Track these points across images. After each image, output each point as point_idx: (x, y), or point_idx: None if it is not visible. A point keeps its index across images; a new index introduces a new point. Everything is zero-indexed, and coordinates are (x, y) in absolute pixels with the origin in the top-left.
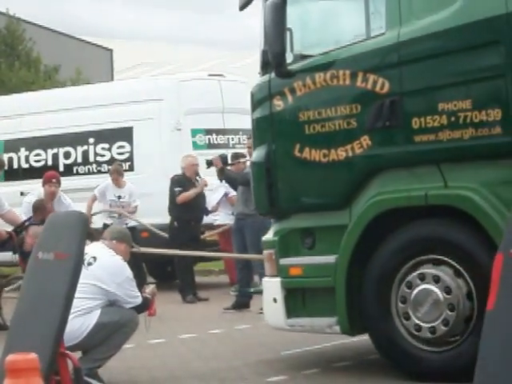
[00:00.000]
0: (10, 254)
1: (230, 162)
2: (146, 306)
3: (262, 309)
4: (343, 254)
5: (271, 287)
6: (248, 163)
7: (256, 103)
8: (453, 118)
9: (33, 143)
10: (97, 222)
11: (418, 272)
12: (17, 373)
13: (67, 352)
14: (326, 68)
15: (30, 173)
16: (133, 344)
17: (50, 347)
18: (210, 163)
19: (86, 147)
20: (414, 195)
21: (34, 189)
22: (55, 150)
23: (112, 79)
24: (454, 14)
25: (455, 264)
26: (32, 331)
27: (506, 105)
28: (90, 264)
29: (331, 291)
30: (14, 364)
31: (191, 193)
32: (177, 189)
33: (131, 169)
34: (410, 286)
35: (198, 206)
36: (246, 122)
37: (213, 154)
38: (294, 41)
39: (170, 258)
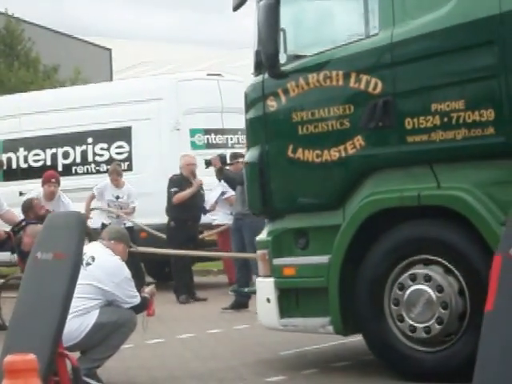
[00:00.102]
0: (9, 254)
1: (228, 161)
2: (144, 305)
3: None
4: (336, 254)
5: (265, 287)
6: None
7: (249, 104)
8: (446, 119)
9: (32, 143)
10: (95, 222)
11: (409, 273)
12: (15, 373)
13: (66, 352)
14: (320, 68)
15: (29, 173)
16: (131, 344)
17: (49, 347)
18: (208, 163)
19: (84, 147)
20: (407, 195)
21: (33, 189)
22: (54, 150)
23: (111, 79)
24: (448, 14)
25: (447, 264)
26: (31, 331)
27: (499, 105)
28: (88, 264)
29: (324, 291)
30: (13, 365)
31: (186, 193)
32: (173, 189)
33: (130, 168)
34: (402, 288)
35: (195, 205)
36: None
37: (211, 153)
38: (287, 41)
39: (167, 259)
